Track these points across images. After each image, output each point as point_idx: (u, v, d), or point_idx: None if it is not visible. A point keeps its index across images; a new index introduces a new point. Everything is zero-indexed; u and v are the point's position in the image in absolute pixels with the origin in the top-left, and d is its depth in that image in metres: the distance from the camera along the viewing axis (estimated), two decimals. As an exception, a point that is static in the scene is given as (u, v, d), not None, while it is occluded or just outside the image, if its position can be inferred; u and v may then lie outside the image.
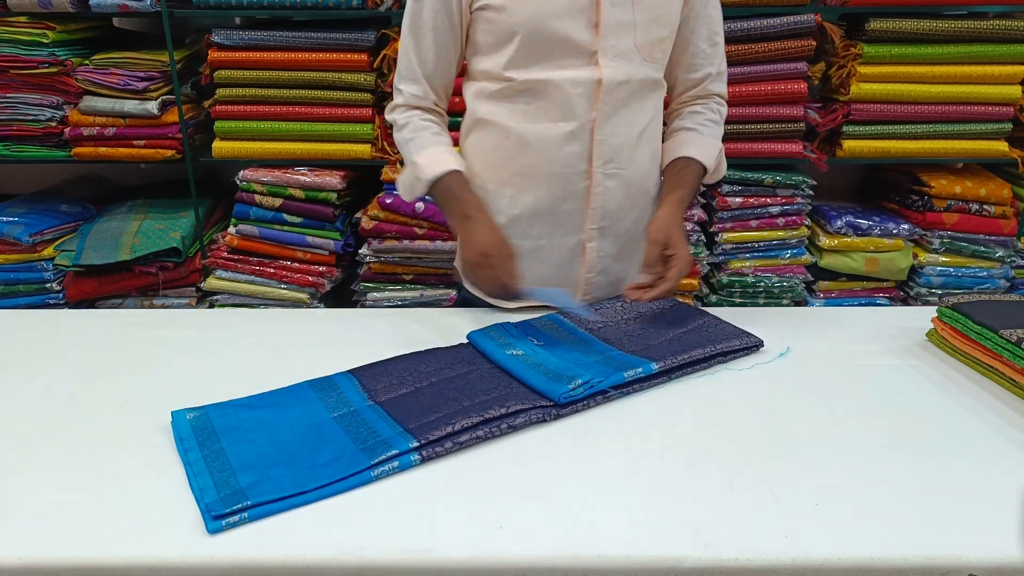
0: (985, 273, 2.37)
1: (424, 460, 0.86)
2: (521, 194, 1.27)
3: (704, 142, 1.32)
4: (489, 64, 1.22)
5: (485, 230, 1.19)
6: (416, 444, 0.86)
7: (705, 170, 1.32)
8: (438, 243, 2.26)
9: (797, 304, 2.42)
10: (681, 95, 1.36)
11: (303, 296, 2.37)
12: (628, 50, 1.19)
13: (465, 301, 1.40)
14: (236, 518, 0.76)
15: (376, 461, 0.84)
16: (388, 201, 2.24)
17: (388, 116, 1.31)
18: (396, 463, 0.85)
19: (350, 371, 1.05)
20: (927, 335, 1.21)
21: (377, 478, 0.84)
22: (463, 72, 1.31)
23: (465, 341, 1.14)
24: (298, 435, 0.90)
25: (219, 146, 2.32)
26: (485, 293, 1.23)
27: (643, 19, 1.18)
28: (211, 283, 2.40)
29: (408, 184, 1.28)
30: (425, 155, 1.24)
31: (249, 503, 0.77)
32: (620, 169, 1.26)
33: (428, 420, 0.91)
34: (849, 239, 2.33)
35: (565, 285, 1.32)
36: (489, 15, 1.17)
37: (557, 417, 0.96)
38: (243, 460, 0.85)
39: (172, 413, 0.94)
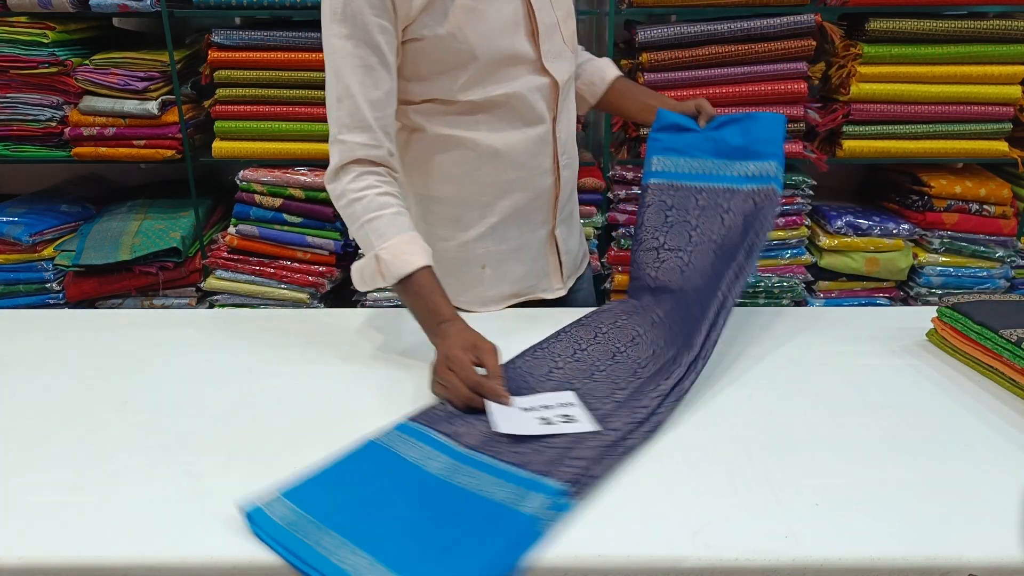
0: (985, 273, 2.36)
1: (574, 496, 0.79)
2: (495, 201, 1.26)
3: (606, 61, 1.45)
4: (435, 91, 1.16)
5: (464, 330, 1.05)
6: (560, 487, 0.78)
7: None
8: (438, 243, 2.26)
9: (797, 304, 2.42)
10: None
11: (303, 296, 2.36)
12: (561, 49, 1.22)
13: None
14: None
15: (533, 511, 0.75)
16: (388, 201, 2.24)
17: (332, 185, 1.12)
18: (552, 512, 0.76)
19: (406, 421, 0.93)
20: (927, 335, 1.21)
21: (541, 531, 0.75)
22: None
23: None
24: (418, 505, 0.77)
25: (219, 146, 2.31)
26: (454, 397, 0.97)
27: (562, 16, 1.22)
28: (211, 283, 2.40)
29: (368, 275, 1.12)
30: (389, 248, 1.08)
31: None
32: (571, 158, 1.33)
33: (545, 456, 0.84)
34: (849, 239, 2.33)
35: (541, 278, 1.36)
36: (426, 45, 1.10)
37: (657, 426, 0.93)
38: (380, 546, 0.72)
39: (247, 513, 0.76)
